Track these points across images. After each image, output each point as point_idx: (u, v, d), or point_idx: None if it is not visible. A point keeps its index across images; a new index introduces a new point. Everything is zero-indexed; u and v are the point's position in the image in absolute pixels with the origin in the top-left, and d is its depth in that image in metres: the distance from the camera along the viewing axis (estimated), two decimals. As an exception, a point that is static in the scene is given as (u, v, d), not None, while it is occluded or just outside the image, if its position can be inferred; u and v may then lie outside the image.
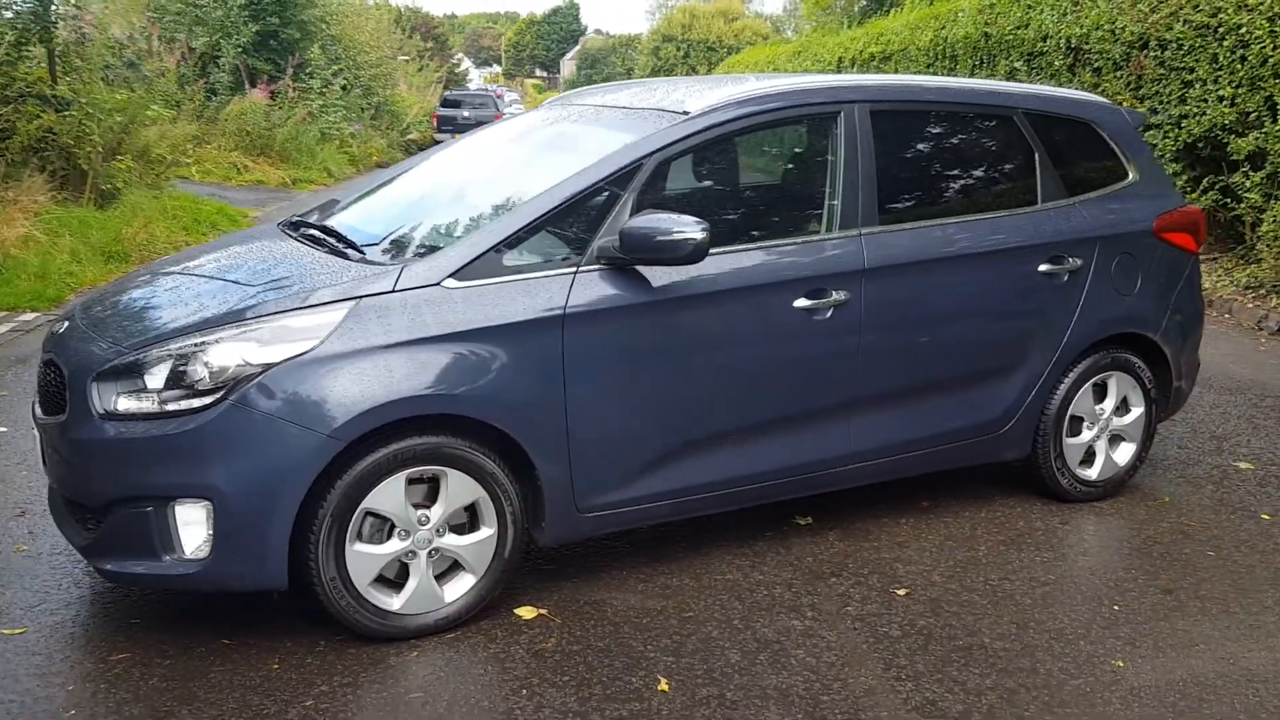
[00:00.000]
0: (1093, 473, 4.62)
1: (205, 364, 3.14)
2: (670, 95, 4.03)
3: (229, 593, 3.48)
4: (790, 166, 4.24)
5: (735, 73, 30.73)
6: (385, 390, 3.19)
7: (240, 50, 20.43)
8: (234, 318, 3.24)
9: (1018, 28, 13.09)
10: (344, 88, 24.13)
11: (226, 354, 3.15)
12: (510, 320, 3.38)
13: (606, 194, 3.59)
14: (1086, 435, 4.58)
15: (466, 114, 30.04)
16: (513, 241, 3.46)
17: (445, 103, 32.54)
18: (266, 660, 3.26)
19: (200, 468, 3.11)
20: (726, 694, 3.12)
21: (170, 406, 3.14)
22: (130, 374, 3.19)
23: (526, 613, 3.58)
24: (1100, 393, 4.59)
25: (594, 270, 3.52)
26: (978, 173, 4.44)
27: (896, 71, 16.75)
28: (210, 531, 3.14)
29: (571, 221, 3.57)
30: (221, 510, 3.12)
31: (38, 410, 3.53)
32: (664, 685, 3.16)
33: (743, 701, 3.09)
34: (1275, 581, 3.90)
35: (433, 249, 3.50)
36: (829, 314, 3.86)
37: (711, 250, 3.64)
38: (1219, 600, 3.76)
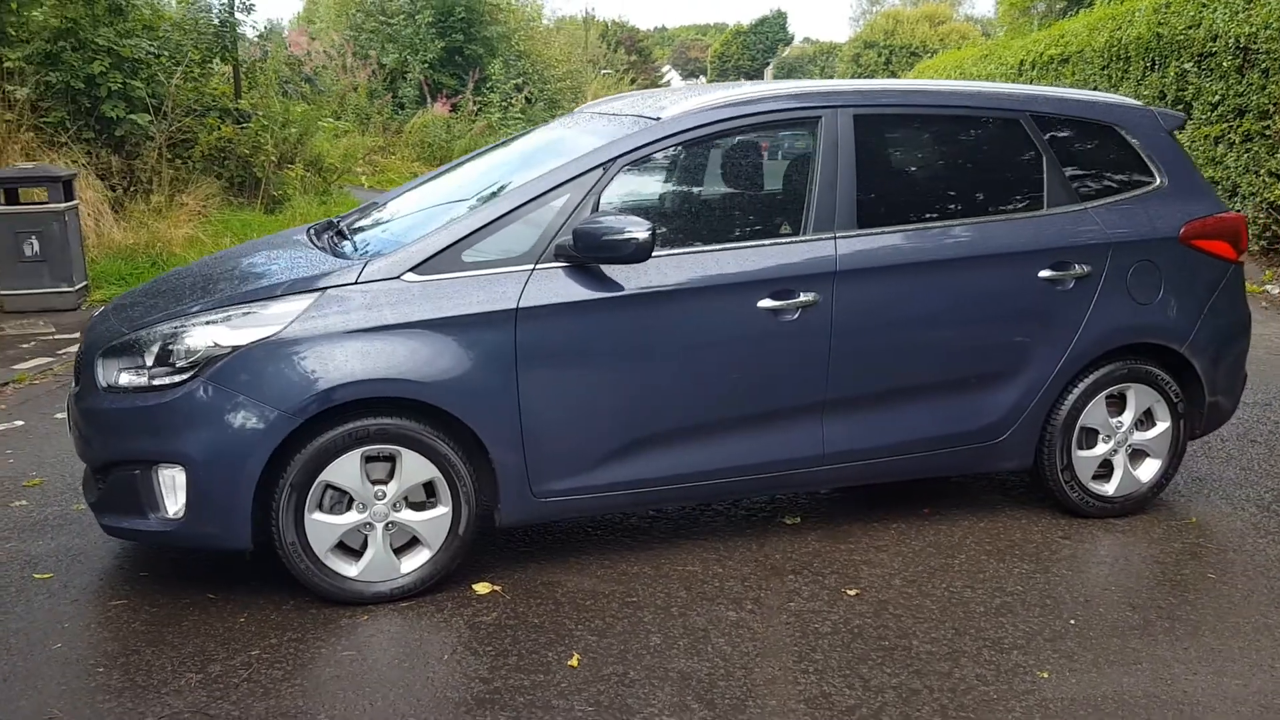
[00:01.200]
0: (1109, 488, 4.47)
1: (184, 345, 3.53)
2: (658, 102, 4.19)
3: (205, 551, 3.88)
4: (769, 171, 4.32)
5: (925, 78, 30.21)
6: (339, 373, 3.50)
7: (426, 66, 21.65)
8: (215, 305, 3.63)
9: (1189, 27, 12.42)
10: (528, 100, 25.09)
11: (201, 337, 3.53)
12: (464, 313, 3.62)
13: (568, 195, 3.79)
14: (1102, 448, 4.43)
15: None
16: (472, 240, 3.71)
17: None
18: (237, 614, 3.63)
19: (176, 437, 3.50)
20: (630, 673, 3.26)
21: (156, 382, 3.55)
22: (130, 352, 3.62)
23: (482, 588, 3.81)
24: (1119, 405, 4.44)
25: (552, 268, 3.72)
26: (972, 178, 4.39)
27: (1074, 74, 16.14)
28: (185, 494, 3.53)
29: (534, 221, 3.78)
30: (193, 476, 3.50)
31: (71, 384, 4.03)
32: (574, 661, 3.33)
33: (641, 680, 3.22)
34: (1266, 609, 3.70)
35: (400, 245, 3.78)
36: (796, 315, 3.93)
37: (675, 250, 3.81)
38: (1191, 623, 3.60)
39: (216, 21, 12.42)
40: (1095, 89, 15.39)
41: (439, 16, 22.37)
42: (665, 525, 4.38)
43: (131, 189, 10.75)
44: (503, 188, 3.99)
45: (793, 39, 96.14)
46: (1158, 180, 4.47)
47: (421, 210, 4.35)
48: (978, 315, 4.21)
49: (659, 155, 3.98)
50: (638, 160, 3.90)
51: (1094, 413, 4.39)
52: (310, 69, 18.82)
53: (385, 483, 3.66)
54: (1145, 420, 4.49)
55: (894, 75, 47.86)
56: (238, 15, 12.65)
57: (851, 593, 3.80)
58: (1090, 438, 4.43)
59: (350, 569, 3.67)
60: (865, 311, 4.04)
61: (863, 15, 68.58)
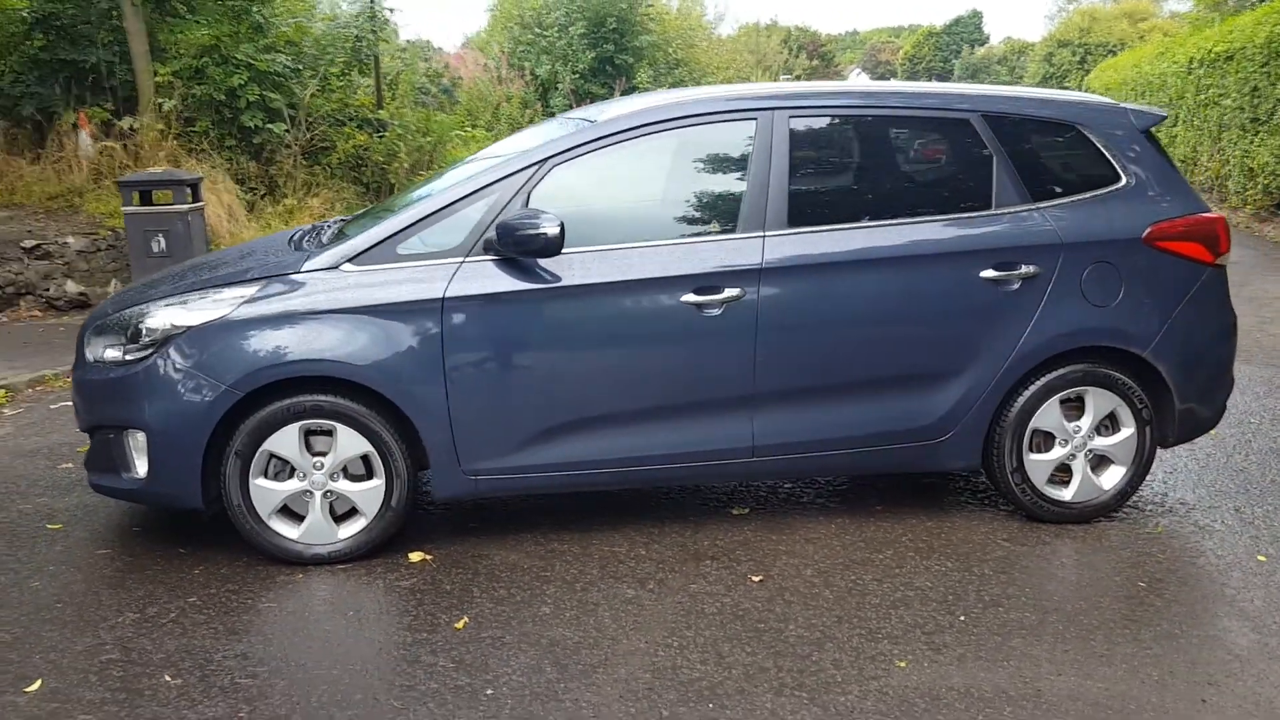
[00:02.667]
0: (1067, 493, 4.40)
1: (148, 324, 3.98)
2: (607, 108, 4.40)
3: (168, 509, 4.33)
4: (703, 172, 4.45)
5: (1104, 77, 28.95)
6: (274, 353, 3.88)
7: (577, 76, 22.27)
8: (177, 290, 4.08)
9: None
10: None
11: (162, 318, 3.98)
12: (394, 301, 3.94)
13: (499, 193, 4.06)
14: (1058, 452, 4.37)
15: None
16: (407, 233, 4.03)
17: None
18: (194, 566, 4.06)
19: (139, 405, 3.96)
20: (506, 637, 3.50)
21: (128, 357, 4.01)
22: (112, 331, 4.10)
23: (415, 556, 4.12)
24: (1079, 408, 4.37)
25: (480, 261, 4.00)
26: (914, 178, 4.41)
27: (1237, 71, 15.28)
28: (147, 457, 3.98)
29: (467, 217, 4.06)
30: (151, 440, 3.95)
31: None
32: (461, 624, 3.59)
33: (513, 644, 3.45)
34: (1179, 621, 3.61)
35: (347, 239, 4.13)
36: (720, 310, 4.07)
37: (603, 246, 4.04)
38: (1086, 628, 3.55)
39: (355, 37, 13.25)
40: (1255, 88, 14.56)
41: (590, 28, 22.95)
42: (612, 508, 4.58)
43: (267, 192, 11.65)
44: (450, 186, 4.28)
45: (988, 39, 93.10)
46: (1123, 180, 4.37)
47: (403, 207, 4.71)
48: (914, 314, 4.23)
49: (594, 156, 4.19)
50: (570, 160, 4.13)
51: (1047, 415, 4.33)
52: (448, 80, 19.72)
53: (324, 455, 4.01)
54: (1109, 425, 4.40)
55: (1086, 75, 45.87)
56: (374, 33, 13.45)
57: (756, 579, 3.91)
58: (1047, 441, 4.38)
59: (292, 532, 4.04)
60: (793, 309, 4.13)
61: (1059, 13, 65.88)
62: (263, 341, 3.90)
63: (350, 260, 4.01)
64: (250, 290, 3.97)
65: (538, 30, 23.88)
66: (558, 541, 4.26)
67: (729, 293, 4.06)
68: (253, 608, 3.73)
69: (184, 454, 3.92)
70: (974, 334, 4.24)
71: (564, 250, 3.94)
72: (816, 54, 56.90)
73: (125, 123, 10.94)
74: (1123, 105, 4.52)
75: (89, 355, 4.15)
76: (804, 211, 4.19)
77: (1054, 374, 4.30)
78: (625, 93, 22.79)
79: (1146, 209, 4.34)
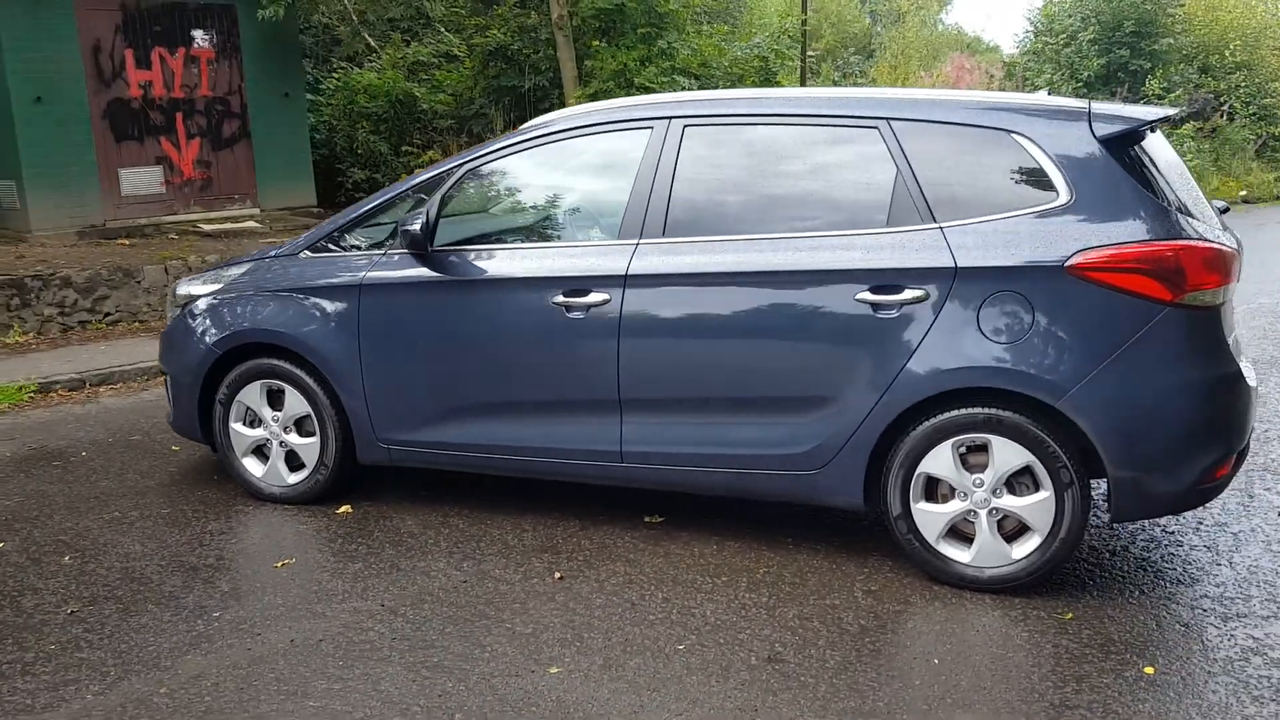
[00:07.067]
0: (967, 555, 3.84)
1: (179, 293, 5.03)
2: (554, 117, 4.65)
3: (188, 440, 5.28)
4: (597, 179, 4.40)
5: None
6: (233, 322, 4.73)
7: (1080, 84, 20.78)
8: (210, 268, 5.08)
9: None
10: (1229, 115, 22.63)
11: (186, 288, 5.00)
12: (325, 283, 4.59)
13: (421, 195, 4.52)
14: (956, 505, 3.83)
15: None
16: (349, 227, 4.66)
17: None
18: (186, 498, 5.00)
19: (166, 354, 5.03)
20: (322, 578, 4.00)
21: (168, 319, 5.10)
22: (175, 301, 5.20)
23: (344, 509, 4.73)
24: (977, 456, 3.80)
25: (392, 254, 4.50)
26: (804, 190, 4.05)
27: None
28: (170, 398, 5.04)
29: (396, 214, 4.58)
30: (170, 384, 5.00)
31: None
32: (281, 564, 4.15)
33: (302, 578, 3.95)
34: (889, 699, 3.13)
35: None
36: (584, 313, 4.16)
37: (490, 246, 4.40)
38: (822, 676, 3.21)
39: (761, 57, 13.83)
40: None
41: (1104, 32, 21.26)
42: (521, 494, 4.80)
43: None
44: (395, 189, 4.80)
45: None
46: (1060, 197, 3.69)
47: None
48: (781, 333, 3.96)
49: (501, 163, 4.47)
50: (477, 167, 4.46)
51: (938, 462, 3.82)
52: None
53: (281, 410, 4.78)
54: (1029, 484, 3.76)
55: None
56: (785, 50, 13.95)
57: (556, 576, 3.99)
58: (946, 490, 3.86)
59: (258, 471, 4.85)
60: (656, 317, 4.09)
61: None
62: (232, 312, 4.76)
63: (308, 248, 4.72)
64: (241, 270, 4.86)
65: (1046, 38, 22.67)
66: (460, 519, 4.60)
67: (595, 297, 4.14)
68: (200, 532, 4.59)
69: (185, 397, 4.91)
70: (846, 361, 3.87)
71: (463, 249, 4.34)
72: None
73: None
74: (1085, 107, 3.79)
75: (167, 315, 5.31)
76: (683, 221, 4.11)
77: (945, 415, 3.78)
78: (1127, 101, 20.83)
79: (1077, 232, 3.63)
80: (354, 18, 16.29)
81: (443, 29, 16.33)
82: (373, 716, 3.07)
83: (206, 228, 11.22)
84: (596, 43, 13.04)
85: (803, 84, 14.62)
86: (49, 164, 10.40)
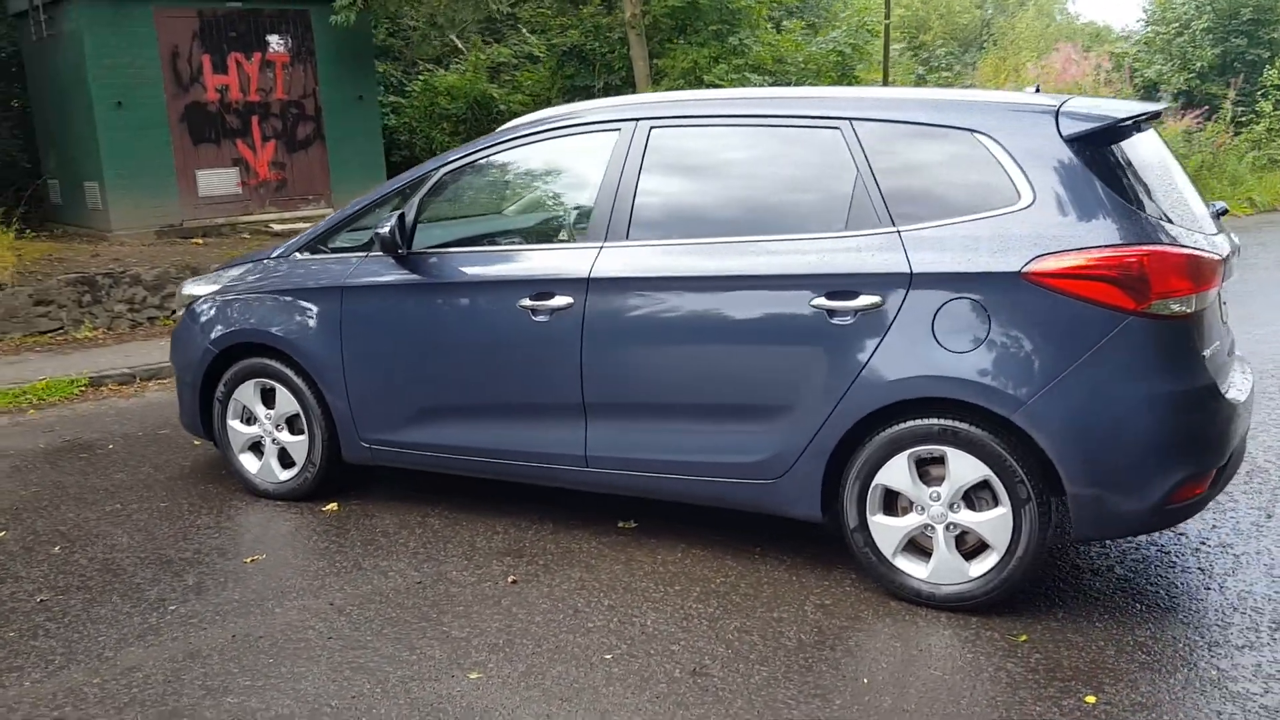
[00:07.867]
0: (924, 571, 3.71)
1: (181, 293, 5.19)
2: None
3: (192, 436, 5.43)
4: (566, 181, 4.35)
5: None
6: (228, 322, 4.85)
7: (1193, 76, 19.89)
8: (214, 269, 5.21)
9: None
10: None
11: (191, 288, 5.15)
12: (312, 285, 4.67)
13: (400, 197, 4.57)
14: (911, 519, 3.71)
15: None
16: (336, 229, 4.73)
17: None
18: (188, 492, 5.15)
19: (173, 353, 5.19)
20: (292, 563, 4.09)
21: (174, 319, 5.27)
22: (183, 297, 5.36)
23: (330, 507, 4.81)
24: (935, 469, 3.66)
25: (373, 256, 4.55)
26: (765, 193, 3.95)
27: None
28: (177, 394, 5.20)
29: (378, 216, 4.63)
30: (176, 381, 5.15)
31: None
32: (253, 560, 4.24)
33: (273, 569, 4.04)
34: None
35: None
36: (548, 316, 4.14)
37: (463, 249, 4.42)
38: (736, 687, 3.15)
39: (837, 51, 13.60)
40: None
41: (1219, 20, 20.29)
42: (500, 496, 4.79)
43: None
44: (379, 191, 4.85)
45: None
46: (1022, 199, 3.53)
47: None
48: (737, 339, 3.88)
49: (473, 166, 4.47)
50: (454, 170, 4.48)
51: (894, 474, 3.69)
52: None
53: (273, 409, 4.88)
54: (989, 499, 3.62)
55: None
56: (863, 45, 13.69)
57: (510, 579, 3.98)
58: (904, 503, 3.73)
59: (253, 467, 4.97)
60: (617, 321, 4.05)
61: None
62: (228, 312, 4.88)
63: (298, 250, 4.81)
64: (238, 271, 4.98)
65: (1156, 27, 21.77)
66: (436, 517, 4.64)
67: (559, 300, 4.12)
68: (192, 520, 4.73)
69: (187, 394, 5.06)
70: (802, 368, 3.77)
71: (437, 251, 4.38)
72: None
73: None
74: (1053, 106, 3.61)
75: (176, 315, 5.49)
76: (646, 224, 4.06)
77: (902, 426, 3.65)
78: (1242, 91, 19.83)
79: (1036, 236, 3.47)
80: (420, 21, 16.47)
81: (525, 30, 16.50)
82: (284, 716, 3.11)
83: (277, 227, 11.55)
84: (671, 42, 13.01)
85: (885, 81, 14.30)
86: (129, 166, 10.85)
